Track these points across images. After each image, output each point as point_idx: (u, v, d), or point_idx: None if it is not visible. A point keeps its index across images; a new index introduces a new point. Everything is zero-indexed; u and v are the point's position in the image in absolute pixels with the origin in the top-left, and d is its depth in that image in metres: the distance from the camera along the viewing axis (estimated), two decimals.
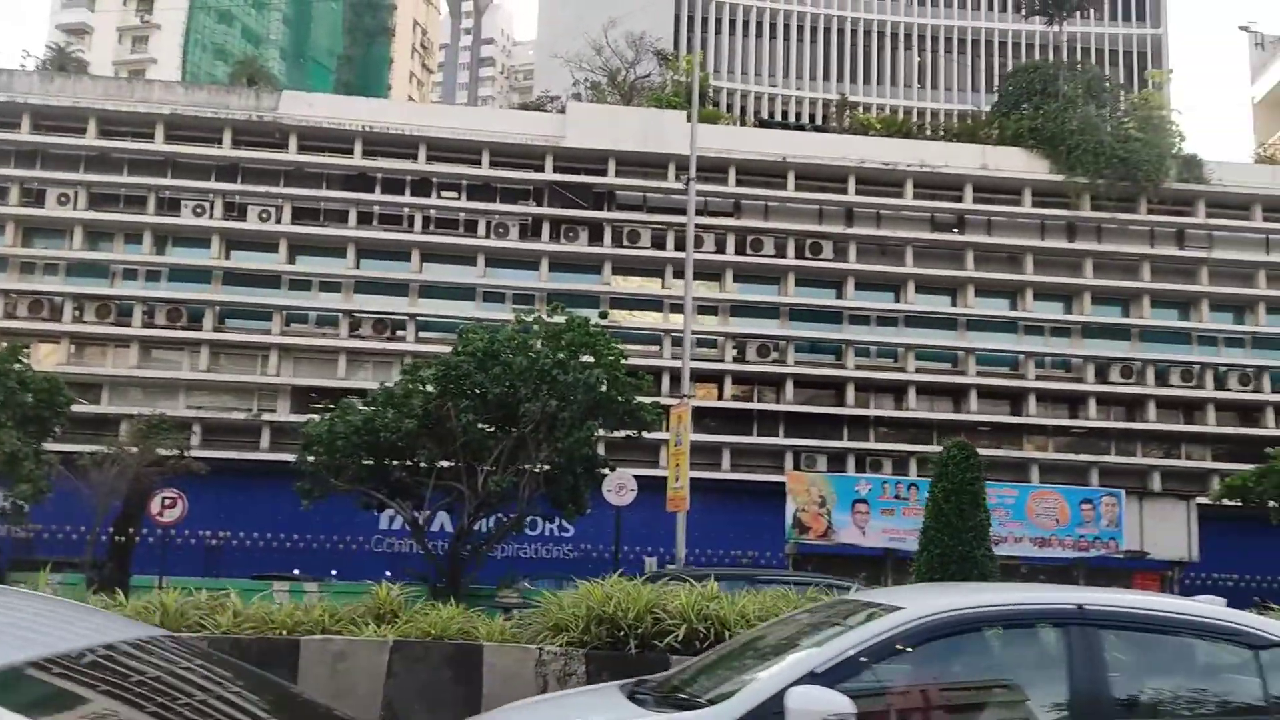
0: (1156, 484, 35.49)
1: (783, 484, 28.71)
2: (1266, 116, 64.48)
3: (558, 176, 37.11)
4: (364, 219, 37.06)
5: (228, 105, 36.79)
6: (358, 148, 36.60)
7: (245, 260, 36.67)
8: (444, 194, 37.59)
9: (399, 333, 36.52)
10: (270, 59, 52.65)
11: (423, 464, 21.42)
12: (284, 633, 6.32)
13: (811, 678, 3.73)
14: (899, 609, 4.04)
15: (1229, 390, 37.13)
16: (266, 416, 35.15)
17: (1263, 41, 66.01)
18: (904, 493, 22.32)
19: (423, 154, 36.82)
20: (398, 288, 36.70)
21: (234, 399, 36.06)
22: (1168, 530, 23.39)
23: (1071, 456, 36.29)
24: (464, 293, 36.81)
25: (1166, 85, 44.77)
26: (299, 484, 21.09)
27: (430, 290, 36.94)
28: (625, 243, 37.08)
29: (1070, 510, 22.30)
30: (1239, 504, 29.83)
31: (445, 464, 21.46)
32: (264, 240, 36.52)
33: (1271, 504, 28.90)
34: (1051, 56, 44.11)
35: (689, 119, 36.83)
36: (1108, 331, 37.72)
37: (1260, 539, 31.30)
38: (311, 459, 20.65)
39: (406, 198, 37.11)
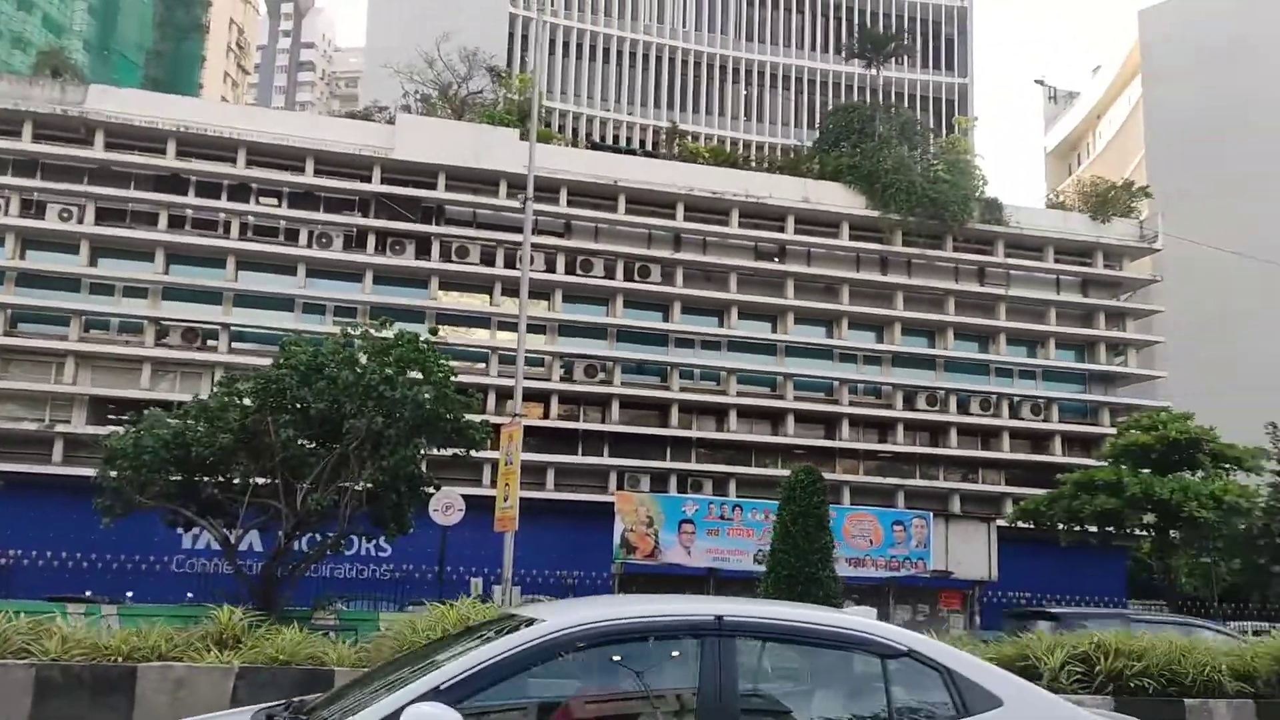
0: (956, 506, 37.55)
1: (608, 504, 28.87)
2: (1057, 165, 70.03)
3: (386, 188, 36.26)
4: (175, 223, 35.11)
5: (28, 97, 34.24)
6: (171, 148, 34.70)
7: (42, 261, 34.11)
8: (263, 200, 36.10)
9: (210, 343, 34.73)
10: (73, 50, 49.28)
11: (236, 480, 20.36)
12: (119, 659, 5.81)
13: (435, 694, 3.62)
14: (538, 622, 3.99)
15: (1022, 419, 39.76)
16: (60, 428, 32.69)
17: (1055, 95, 71.70)
18: (728, 513, 22.79)
19: (242, 158, 35.26)
20: (210, 296, 34.90)
21: (24, 408, 33.37)
22: (970, 551, 24.78)
23: (880, 479, 37.99)
24: (282, 303, 35.41)
25: (971, 131, 47.77)
26: (99, 500, 19.65)
27: (246, 299, 35.31)
28: (454, 258, 36.57)
29: (883, 531, 23.31)
30: (1032, 526, 31.98)
31: (261, 481, 20.48)
32: (64, 240, 34.09)
33: (1060, 526, 31.11)
34: (869, 98, 46.42)
35: (523, 137, 36.94)
36: (915, 361, 39.78)
37: (1051, 559, 33.68)
38: (114, 474, 19.28)
39: (223, 202, 35.41)
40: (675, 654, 4.13)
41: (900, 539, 23.70)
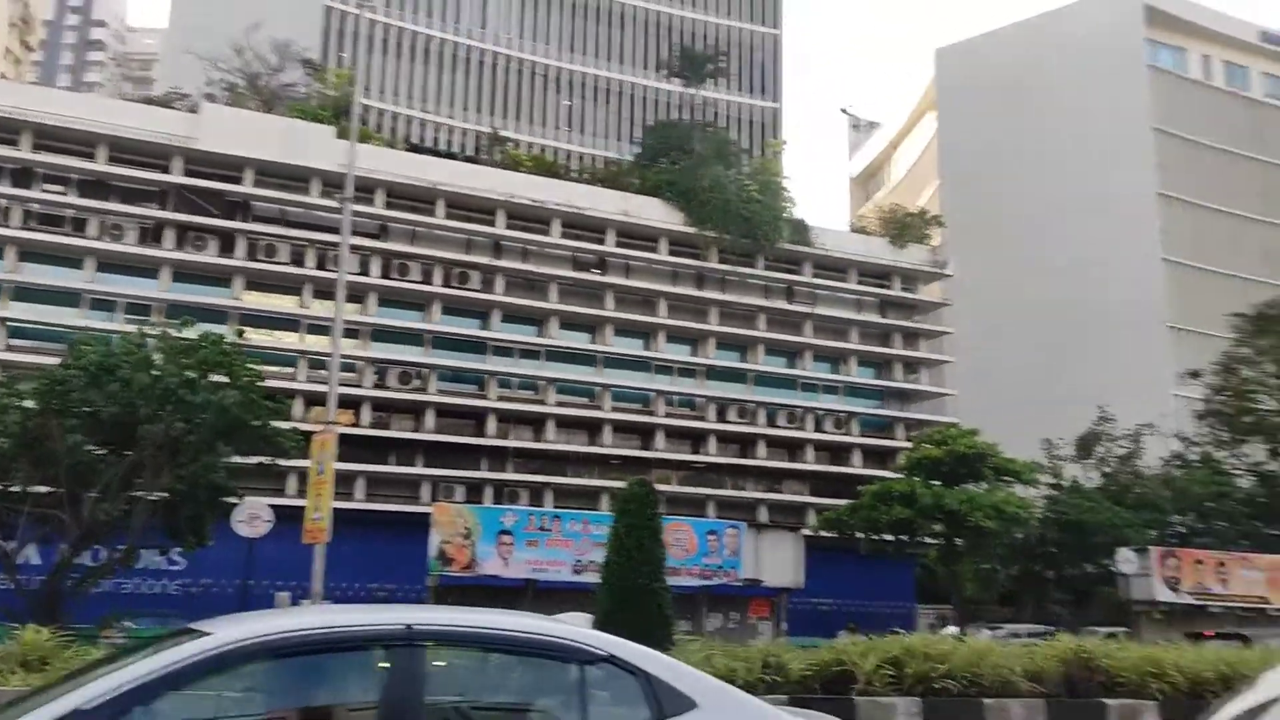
0: (764, 516, 38.76)
1: (422, 515, 28.25)
2: (859, 190, 73.60)
3: (187, 180, 34.36)
4: None
5: None
6: None
7: None
8: (49, 187, 33.55)
9: None
10: None
11: (16, 489, 18.84)
12: None
13: (76, 717, 3.30)
14: (205, 635, 3.73)
15: (825, 432, 41.50)
16: None
17: (859, 124, 75.44)
18: (548, 524, 22.71)
19: (27, 141, 32.64)
20: None
21: None
22: (779, 559, 25.61)
23: (693, 489, 38.79)
24: (67, 298, 32.95)
25: (781, 155, 49.65)
26: None
27: (26, 293, 32.67)
28: (261, 257, 35.02)
29: (698, 541, 23.79)
30: (834, 535, 33.40)
31: (44, 489, 19.03)
32: None
33: (860, 535, 32.64)
34: (688, 117, 47.43)
35: (339, 134, 35.81)
36: (728, 374, 40.89)
37: (850, 566, 35.22)
38: None
39: (4, 187, 32.66)
40: (359, 666, 3.94)
41: (714, 548, 24.26)
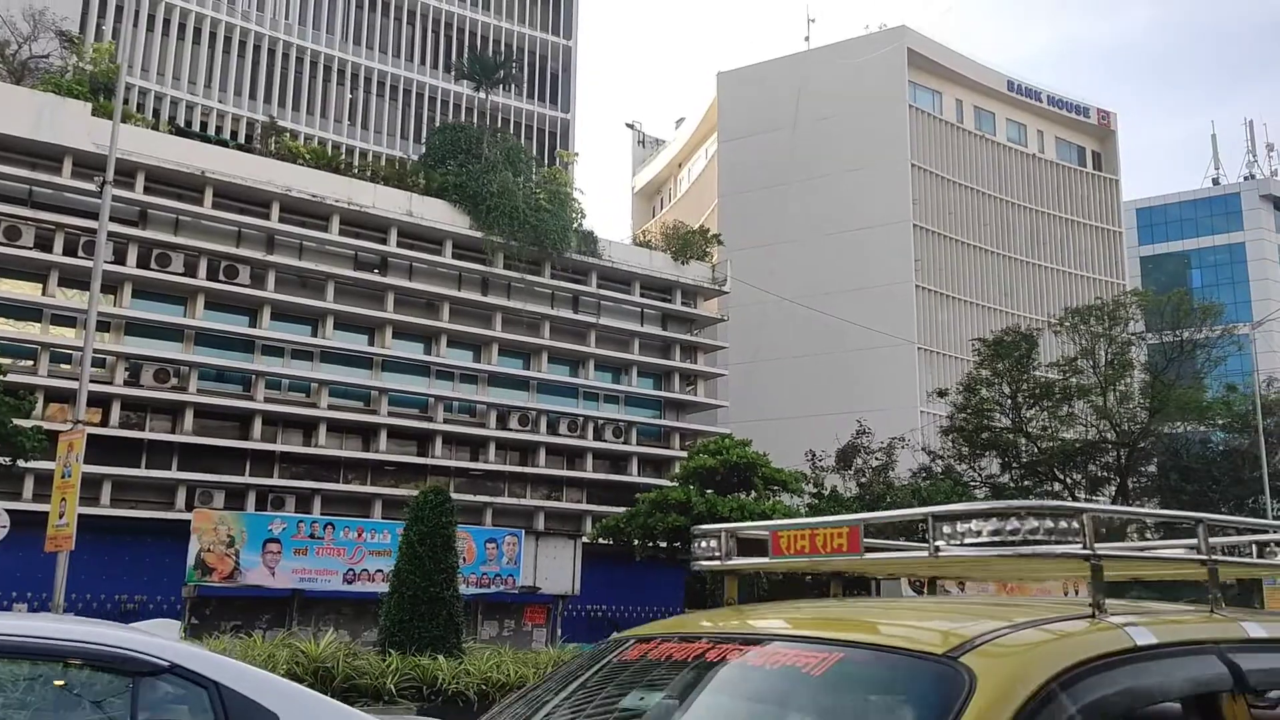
0: (541, 524, 38.79)
1: (177, 521, 26.61)
2: (642, 205, 75.20)
3: None
4: None
5: None
6: None
7: None
8: None
9: None
10: None
11: None
12: None
13: None
14: None
15: (605, 441, 42.04)
16: None
17: (644, 140, 77.03)
18: (319, 532, 21.85)
19: None
20: None
21: None
22: (556, 567, 25.72)
23: (470, 497, 38.29)
24: None
25: (572, 165, 49.97)
26: None
27: None
28: (2, 239, 31.94)
29: (477, 549, 23.54)
30: (611, 543, 33.86)
31: None
32: None
33: (636, 542, 33.24)
34: (477, 120, 46.99)
35: (96, 111, 33.22)
36: (510, 382, 40.72)
37: (624, 573, 35.82)
38: None
39: None
40: None
41: (492, 556, 24.08)
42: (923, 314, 54.58)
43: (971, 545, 2.38)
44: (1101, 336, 40.94)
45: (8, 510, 19.56)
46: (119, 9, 43.63)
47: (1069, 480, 40.80)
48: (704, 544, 3.23)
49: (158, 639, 3.84)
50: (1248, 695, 2.29)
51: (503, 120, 49.39)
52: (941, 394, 43.21)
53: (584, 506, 40.69)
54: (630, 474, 41.88)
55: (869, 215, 55.02)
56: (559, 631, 25.13)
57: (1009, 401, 40.98)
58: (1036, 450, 40.84)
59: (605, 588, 34.02)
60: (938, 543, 2.46)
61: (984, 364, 41.67)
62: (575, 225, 42.22)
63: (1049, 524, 2.36)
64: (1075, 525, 2.36)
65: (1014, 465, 41.71)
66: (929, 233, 56.07)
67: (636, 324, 44.14)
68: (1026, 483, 41.81)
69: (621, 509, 35.11)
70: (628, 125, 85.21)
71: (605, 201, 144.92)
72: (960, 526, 2.43)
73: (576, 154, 52.21)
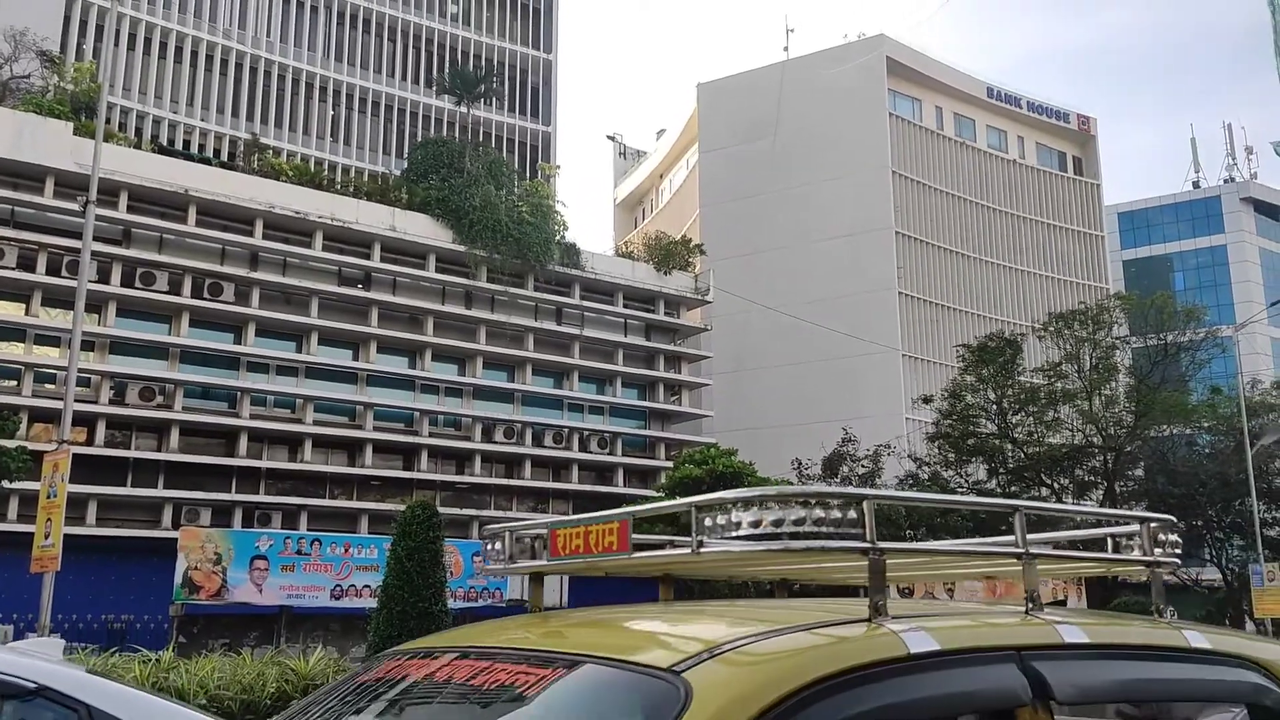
0: None
1: (164, 540, 26.56)
2: (624, 216, 75.42)
3: None
4: None
5: None
6: None
7: None
8: None
9: None
10: None
11: None
12: None
13: None
14: None
15: (590, 452, 42.11)
16: None
17: (625, 152, 77.26)
18: (306, 548, 21.87)
19: None
20: None
21: None
22: (549, 580, 25.71)
23: (456, 510, 38.24)
24: None
25: (554, 178, 50.13)
26: None
27: None
28: None
29: (464, 563, 23.57)
30: None
31: None
32: None
33: None
34: (459, 135, 47.13)
35: (77, 131, 33.21)
36: (495, 394, 40.78)
37: (615, 584, 35.62)
38: None
39: None
40: None
41: (480, 570, 24.16)
42: (906, 320, 54.90)
43: (736, 539, 2.08)
44: (1086, 341, 41.23)
45: None
46: (99, 28, 43.56)
47: (1056, 485, 41.03)
48: (492, 546, 2.83)
49: (26, 660, 3.74)
50: (1055, 707, 2.06)
51: (484, 134, 49.52)
52: (927, 400, 43.42)
53: (570, 518, 40.62)
54: (616, 485, 41.95)
55: (851, 223, 55.35)
56: None
57: (994, 407, 41.22)
58: (1023, 455, 41.06)
59: (593, 598, 33.99)
60: (700, 537, 2.16)
61: (969, 370, 41.89)
62: (558, 238, 42.37)
63: (820, 513, 2.08)
64: (854, 515, 2.13)
65: (1001, 471, 41.90)
66: (911, 239, 56.43)
67: (620, 335, 44.28)
68: (1013, 488, 42.00)
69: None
70: (609, 137, 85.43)
71: (587, 213, 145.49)
72: (722, 518, 2.12)
73: (558, 166, 52.41)
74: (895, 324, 54.13)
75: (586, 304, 43.27)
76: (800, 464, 40.44)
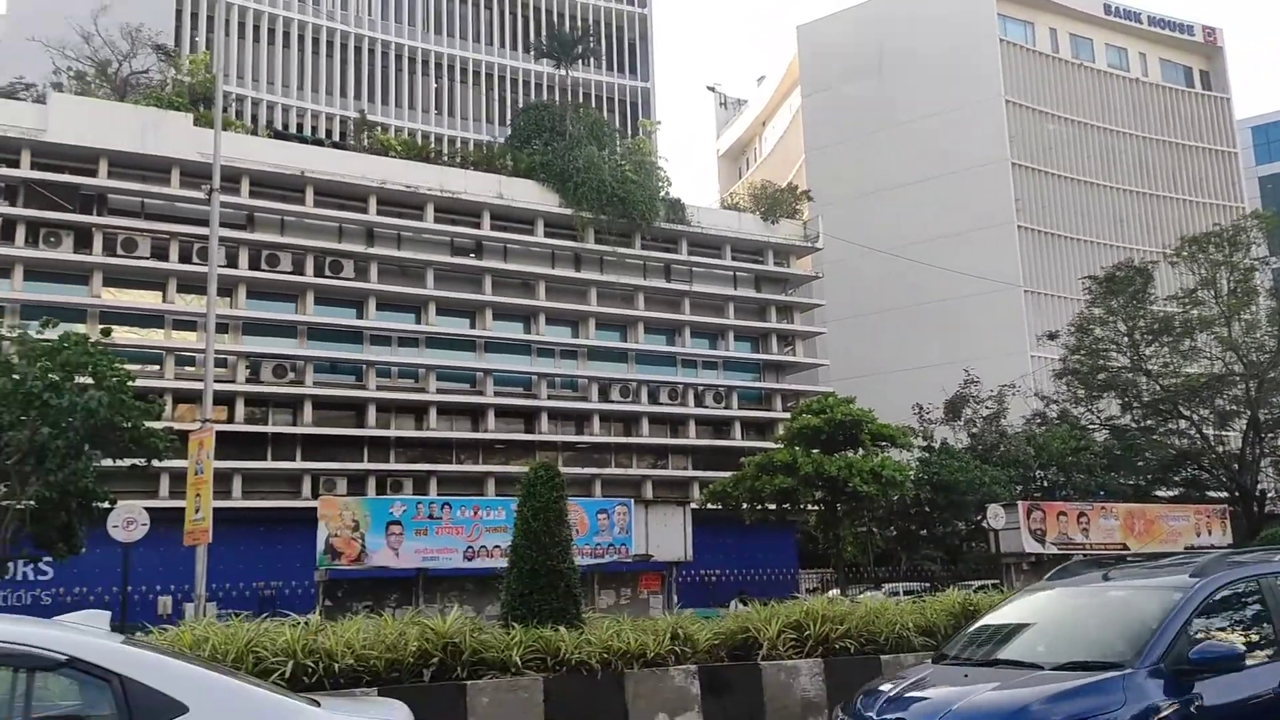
0: (649, 492, 39.22)
1: (304, 509, 27.74)
2: (728, 167, 74.66)
3: (37, 174, 32.63)
4: None
5: None
6: None
7: None
8: None
9: None
10: None
11: None
12: None
13: None
14: None
15: (706, 407, 42.20)
16: None
17: (726, 102, 76.36)
18: (438, 512, 22.55)
19: None
20: None
21: None
22: (668, 534, 25.99)
23: (578, 470, 38.91)
24: None
25: (655, 134, 49.95)
26: None
27: None
28: (120, 251, 33.55)
29: (589, 520, 23.96)
30: (719, 507, 34.09)
31: None
32: None
33: (744, 505, 33.39)
34: (559, 98, 47.31)
35: (197, 121, 34.54)
36: (609, 354, 41.16)
37: (733, 537, 36.06)
38: None
39: None
40: None
41: (604, 526, 24.48)
42: (1026, 255, 53.09)
43: None
44: (1222, 264, 39.34)
45: (146, 508, 20.70)
46: (210, 19, 45.03)
47: (1194, 417, 39.42)
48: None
49: (56, 632, 3.76)
50: None
51: (584, 95, 49.55)
52: (1052, 336, 42.15)
53: (690, 473, 40.98)
54: (733, 438, 41.99)
55: (963, 157, 53.63)
56: (675, 598, 25.47)
57: (1126, 339, 39.75)
58: (1158, 388, 39.53)
59: (717, 552, 34.28)
60: None
61: (1096, 302, 40.46)
62: (662, 194, 42.28)
63: None
64: None
65: (1135, 405, 40.48)
66: (1028, 170, 54.42)
67: (730, 288, 44.06)
68: (1149, 422, 40.56)
69: (727, 474, 35.29)
70: (709, 88, 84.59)
71: (690, 168, 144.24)
72: None
73: (659, 122, 52.15)
74: (1015, 259, 52.40)
75: (694, 259, 43.15)
76: (921, 408, 39.79)
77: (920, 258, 49.97)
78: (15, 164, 32.43)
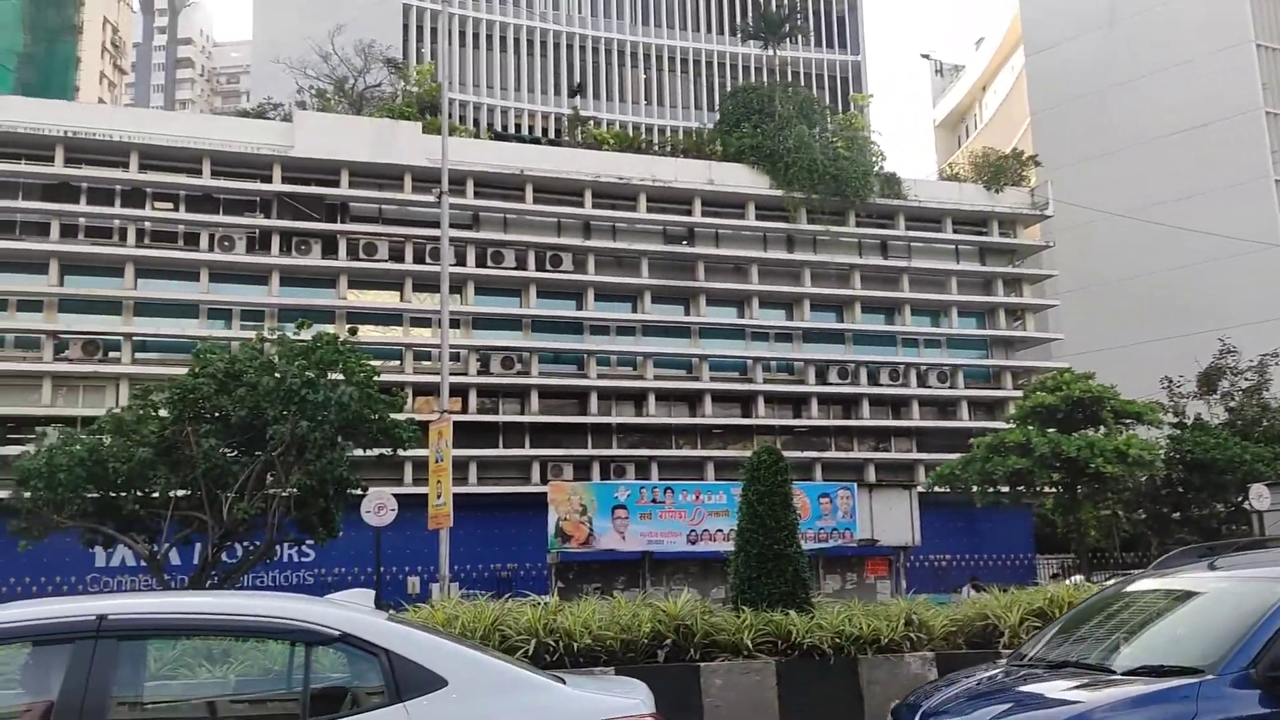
0: (872, 476, 38.44)
1: (536, 494, 28.92)
2: (945, 137, 71.93)
3: (287, 187, 35.42)
4: (68, 232, 33.80)
5: None
6: (59, 155, 33.30)
7: None
8: (159, 205, 34.96)
9: (112, 354, 33.53)
10: None
11: (156, 494, 19.85)
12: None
13: None
14: None
15: (929, 387, 40.89)
16: None
17: (941, 69, 73.61)
18: (660, 496, 23.01)
19: (134, 162, 34.03)
20: (109, 305, 33.71)
21: None
22: (893, 518, 25.45)
23: (797, 454, 38.47)
24: (185, 310, 34.39)
25: (867, 108, 48.76)
26: (14, 523, 18.95)
27: (147, 308, 34.17)
28: (362, 256, 35.97)
29: (811, 505, 23.76)
30: (948, 490, 33.01)
31: (182, 493, 20.00)
32: None
33: (975, 488, 32.19)
34: (766, 79, 46.95)
35: (425, 129, 36.52)
36: (825, 336, 40.58)
37: (962, 521, 34.85)
38: (28, 495, 18.61)
39: (117, 209, 34.18)
40: (58, 660, 3.58)
41: (827, 511, 24.26)
42: None
43: None
44: None
45: (393, 495, 22.15)
46: (433, 31, 47.48)
47: None
48: None
49: (331, 609, 3.99)
50: None
51: (792, 74, 48.95)
52: None
53: (914, 455, 39.86)
54: (960, 419, 40.49)
55: (1209, 109, 49.30)
56: (903, 583, 24.91)
57: None
58: None
59: (946, 536, 33.21)
60: None
61: None
62: (876, 169, 41.24)
63: None
64: None
65: None
66: None
67: (952, 262, 42.43)
68: None
69: (955, 455, 34.09)
70: (923, 56, 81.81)
71: (905, 140, 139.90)
72: None
73: (870, 96, 50.81)
74: (1273, 215, 47.78)
75: (913, 234, 41.85)
76: (1171, 382, 37.04)
77: (1163, 220, 46.43)
78: (268, 179, 35.29)
